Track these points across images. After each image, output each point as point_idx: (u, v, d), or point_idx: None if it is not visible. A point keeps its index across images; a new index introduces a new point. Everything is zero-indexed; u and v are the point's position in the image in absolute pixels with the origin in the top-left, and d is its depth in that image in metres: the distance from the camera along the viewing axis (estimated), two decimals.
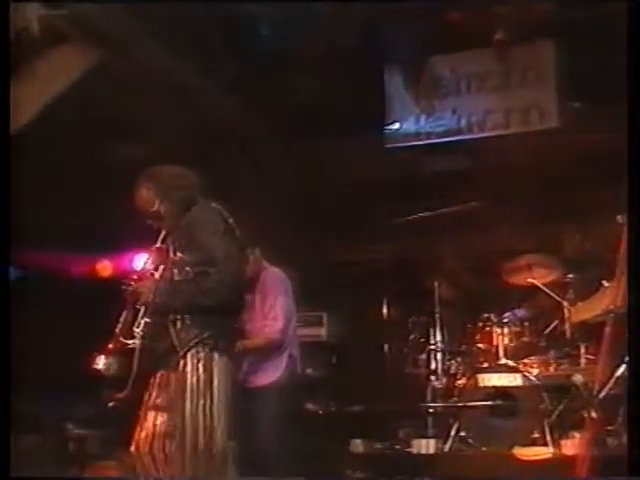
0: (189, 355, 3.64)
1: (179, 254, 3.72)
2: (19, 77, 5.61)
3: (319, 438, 6.32)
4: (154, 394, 3.79)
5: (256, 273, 5.23)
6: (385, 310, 7.32)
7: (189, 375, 3.62)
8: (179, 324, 3.67)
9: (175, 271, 3.71)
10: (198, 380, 3.61)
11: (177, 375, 3.65)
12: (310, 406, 7.04)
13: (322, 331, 7.43)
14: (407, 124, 8.10)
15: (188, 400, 3.60)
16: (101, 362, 3.72)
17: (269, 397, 5.04)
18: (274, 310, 5.08)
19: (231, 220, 3.83)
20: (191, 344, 3.64)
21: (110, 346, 3.71)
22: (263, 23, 6.94)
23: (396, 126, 8.10)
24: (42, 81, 5.73)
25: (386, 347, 7.24)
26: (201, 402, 3.60)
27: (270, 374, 5.08)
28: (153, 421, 3.74)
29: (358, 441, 6.51)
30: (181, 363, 3.65)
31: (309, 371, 6.49)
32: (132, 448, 3.76)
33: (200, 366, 3.62)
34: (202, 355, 3.63)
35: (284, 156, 7.94)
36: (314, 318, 7.35)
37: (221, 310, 3.66)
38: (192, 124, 7.12)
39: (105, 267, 8.94)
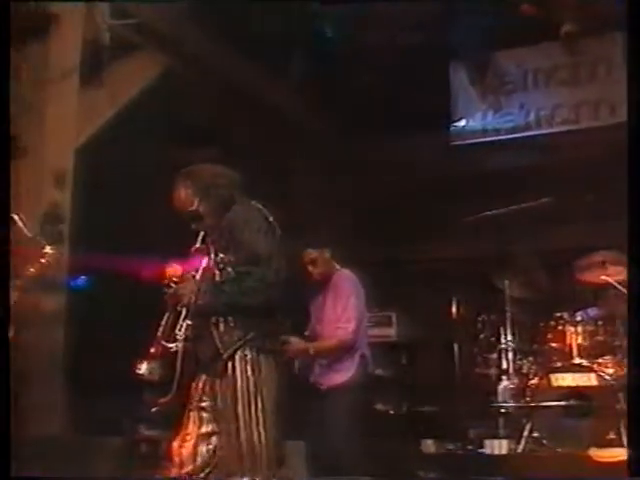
0: (237, 358, 3.56)
1: (220, 254, 3.63)
2: (91, 84, 5.76)
3: (390, 438, 6.31)
4: (198, 398, 3.72)
5: (327, 275, 5.24)
6: (454, 309, 7.24)
7: (239, 379, 3.55)
8: (222, 326, 3.60)
9: (217, 272, 3.61)
10: (248, 383, 3.54)
11: (226, 379, 3.58)
12: (380, 406, 7.03)
13: (391, 331, 7.41)
14: (473, 121, 8.04)
15: (240, 404, 3.53)
16: (143, 367, 3.65)
17: (341, 397, 5.05)
18: (347, 312, 5.08)
19: (272, 219, 3.73)
20: (235, 346, 3.56)
21: (152, 350, 3.63)
22: (329, 22, 6.96)
23: (462, 123, 8.05)
24: (113, 88, 5.85)
25: (456, 346, 7.16)
26: (252, 405, 3.53)
27: (342, 374, 5.09)
28: (198, 425, 3.68)
29: (429, 441, 6.47)
30: (228, 366, 3.57)
31: (379, 371, 6.46)
32: (176, 453, 3.69)
33: (248, 369, 3.55)
34: (249, 357, 3.56)
35: (351, 156, 7.95)
36: (383, 318, 7.34)
37: (265, 310, 3.58)
38: (260, 125, 7.19)
39: (176, 271, 9.08)
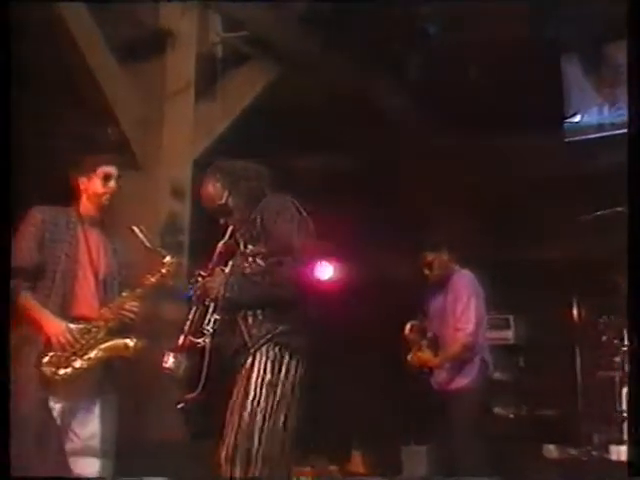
0: (258, 354, 3.40)
1: (250, 246, 3.51)
2: (206, 97, 5.89)
3: (511, 442, 6.19)
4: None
5: (445, 276, 5.21)
6: (575, 310, 7.06)
7: (254, 376, 3.39)
8: (250, 319, 3.44)
9: (246, 265, 3.48)
10: (262, 382, 3.38)
11: (243, 373, 3.41)
12: (500, 410, 6.91)
13: (509, 334, 7.28)
14: (588, 116, 7.80)
15: (249, 401, 3.36)
16: (170, 360, 3.47)
17: (462, 401, 5.00)
18: (466, 313, 5.04)
19: (305, 213, 3.54)
20: (262, 341, 3.40)
21: (179, 343, 3.47)
22: (436, 21, 6.89)
23: (577, 118, 7.82)
24: (227, 100, 5.97)
25: (577, 349, 6.97)
26: (262, 404, 3.36)
27: (463, 378, 5.05)
28: (232, 424, 3.47)
29: (551, 446, 6.32)
30: (249, 361, 3.41)
31: (497, 375, 6.36)
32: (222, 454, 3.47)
33: (268, 367, 3.39)
34: (271, 355, 3.40)
35: (464, 156, 7.85)
36: (501, 321, 7.22)
37: (295, 304, 3.41)
38: (370, 129, 7.18)
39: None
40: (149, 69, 5.62)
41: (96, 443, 3.69)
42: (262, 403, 3.36)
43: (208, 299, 3.49)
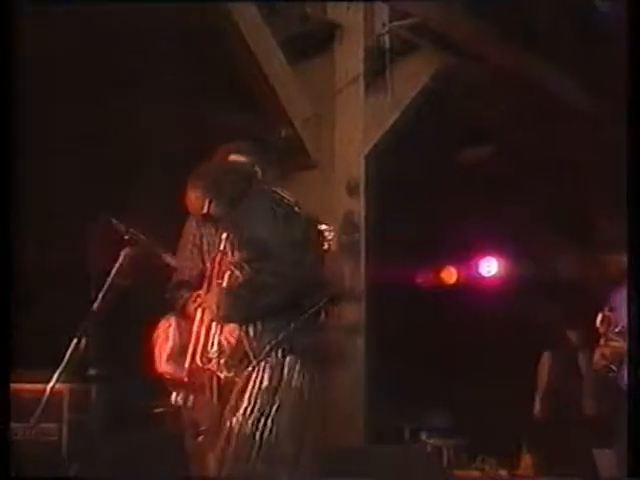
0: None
1: (236, 254, 3.26)
2: (375, 90, 5.74)
3: None
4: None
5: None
6: None
7: (251, 381, 3.18)
8: (251, 331, 3.20)
9: (237, 274, 3.24)
10: (260, 389, 3.17)
11: (241, 378, 3.20)
12: None
13: None
14: None
15: (244, 404, 3.16)
16: (178, 398, 3.27)
17: None
18: None
19: (292, 201, 3.28)
20: (266, 351, 3.15)
21: (185, 379, 3.21)
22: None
23: None
24: (395, 91, 5.79)
25: None
26: (255, 414, 3.15)
27: None
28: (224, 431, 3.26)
29: None
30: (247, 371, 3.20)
31: None
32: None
33: (265, 376, 3.18)
34: (271, 361, 3.18)
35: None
36: None
37: (291, 306, 3.16)
38: (539, 121, 6.86)
39: (450, 274, 8.93)
40: (318, 65, 5.50)
41: None
42: (256, 412, 3.15)
43: (208, 320, 3.23)
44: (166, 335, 3.27)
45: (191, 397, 3.24)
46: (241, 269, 3.24)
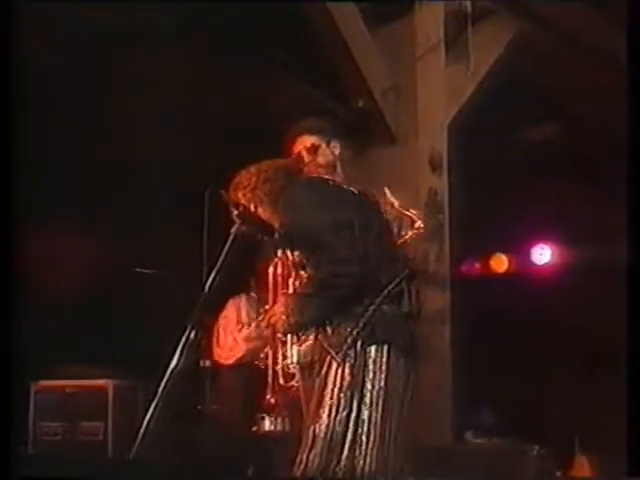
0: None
1: (296, 253, 3.08)
2: (455, 57, 5.35)
3: None
4: None
5: None
6: None
7: (330, 382, 2.90)
8: (329, 329, 2.96)
9: (302, 273, 3.05)
10: (341, 386, 2.88)
11: (320, 379, 2.95)
12: None
13: None
14: None
15: (326, 406, 2.88)
16: (266, 424, 3.24)
17: None
18: None
19: (331, 185, 3.07)
20: (346, 345, 2.89)
21: (271, 401, 3.13)
22: None
23: None
24: (474, 59, 5.40)
25: None
26: (343, 413, 2.87)
27: None
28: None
29: None
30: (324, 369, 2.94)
31: None
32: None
33: (346, 368, 2.88)
34: (351, 354, 2.89)
35: None
36: None
37: (361, 292, 2.91)
38: (612, 102, 6.46)
39: (501, 262, 8.57)
40: (397, 31, 5.10)
41: None
42: (342, 412, 2.87)
43: (280, 333, 3.06)
44: None
45: (282, 420, 3.21)
46: (303, 267, 3.06)
